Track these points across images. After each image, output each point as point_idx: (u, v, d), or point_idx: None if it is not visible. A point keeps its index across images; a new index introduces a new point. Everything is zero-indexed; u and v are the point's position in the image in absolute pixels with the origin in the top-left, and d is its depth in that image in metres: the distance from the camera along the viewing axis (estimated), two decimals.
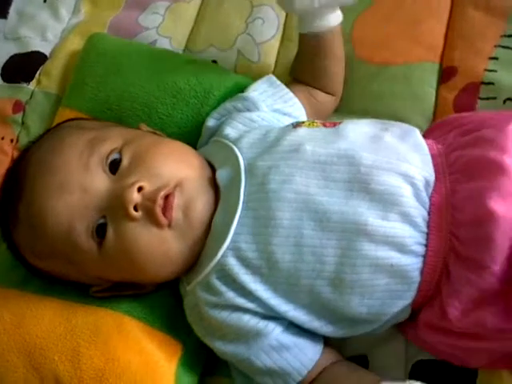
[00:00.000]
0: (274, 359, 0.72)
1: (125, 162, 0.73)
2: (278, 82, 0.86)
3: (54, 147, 0.75)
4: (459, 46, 0.91)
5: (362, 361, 0.78)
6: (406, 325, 0.74)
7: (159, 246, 0.71)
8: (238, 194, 0.71)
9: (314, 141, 0.73)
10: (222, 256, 0.71)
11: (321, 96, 0.87)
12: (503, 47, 0.89)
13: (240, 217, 0.71)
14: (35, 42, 1.05)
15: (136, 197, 0.70)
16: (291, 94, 0.85)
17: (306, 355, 0.73)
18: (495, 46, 0.89)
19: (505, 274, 0.64)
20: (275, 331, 0.72)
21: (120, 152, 0.74)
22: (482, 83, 0.87)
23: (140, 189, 0.70)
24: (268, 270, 0.70)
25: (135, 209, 0.70)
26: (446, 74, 0.90)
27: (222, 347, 0.74)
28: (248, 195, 0.71)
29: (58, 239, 0.72)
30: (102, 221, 0.72)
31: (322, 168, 0.70)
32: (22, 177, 0.76)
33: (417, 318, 0.72)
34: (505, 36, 0.90)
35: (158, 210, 0.70)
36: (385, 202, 0.68)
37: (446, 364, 0.73)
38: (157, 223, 0.70)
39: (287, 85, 0.87)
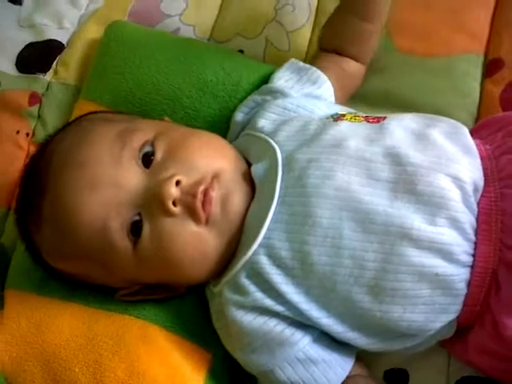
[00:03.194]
0: (299, 373, 0.69)
1: (159, 154, 0.70)
2: (302, 64, 0.83)
3: (81, 140, 0.71)
4: (506, 36, 0.87)
5: (401, 375, 0.74)
6: (453, 343, 0.70)
7: (197, 243, 0.68)
8: (274, 187, 0.68)
9: (357, 136, 0.69)
10: (254, 253, 0.67)
11: (351, 66, 0.84)
12: None
13: (275, 212, 0.67)
14: (51, 30, 1.00)
15: (174, 191, 0.67)
16: (318, 73, 0.81)
17: (334, 373, 0.70)
18: None
19: None
20: (302, 342, 0.68)
21: (152, 144, 0.70)
22: None
23: (177, 183, 0.67)
24: (302, 272, 0.66)
25: (173, 204, 0.66)
26: (491, 67, 0.86)
27: (245, 356, 0.71)
28: (285, 190, 0.68)
29: (89, 238, 0.69)
30: (136, 218, 0.68)
31: (366, 165, 0.67)
32: (43, 172, 0.72)
33: (466, 338, 0.68)
34: None
35: (199, 205, 0.67)
36: (432, 205, 0.64)
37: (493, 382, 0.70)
38: (196, 219, 0.67)
39: (314, 56, 0.84)
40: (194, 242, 0.68)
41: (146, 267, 0.70)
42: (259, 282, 0.67)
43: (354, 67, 0.84)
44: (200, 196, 0.67)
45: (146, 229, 0.68)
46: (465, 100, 0.85)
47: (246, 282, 0.68)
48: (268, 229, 0.67)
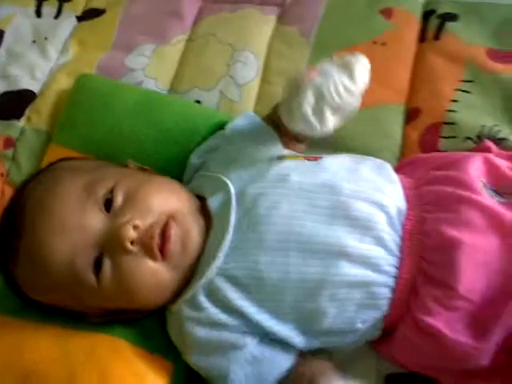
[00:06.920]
0: (248, 372, 0.77)
1: (118, 200, 0.77)
2: (256, 118, 0.91)
3: (51, 190, 0.79)
4: (422, 89, 0.98)
5: None
6: (380, 343, 0.81)
7: (153, 278, 0.76)
8: (229, 217, 0.77)
9: (299, 172, 0.80)
10: (212, 275, 0.76)
11: (296, 144, 0.90)
12: (463, 91, 0.96)
13: (230, 240, 0.76)
14: (24, 80, 1.08)
15: (132, 234, 0.75)
16: (268, 128, 0.89)
17: (279, 365, 0.78)
18: (455, 90, 0.96)
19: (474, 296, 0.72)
20: (250, 344, 0.77)
21: (112, 191, 0.78)
22: (444, 123, 0.94)
23: (135, 227, 0.75)
24: (255, 288, 0.75)
25: (131, 243, 0.75)
26: (411, 115, 0.97)
27: (199, 362, 0.78)
28: (238, 219, 0.77)
29: (59, 275, 0.76)
30: (98, 256, 0.76)
31: (307, 196, 0.78)
32: (19, 218, 0.79)
33: (391, 338, 0.78)
34: (464, 81, 0.97)
35: (155, 245, 0.75)
36: (361, 227, 0.76)
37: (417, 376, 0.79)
38: (152, 256, 0.75)
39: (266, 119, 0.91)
40: (151, 276, 0.76)
41: (109, 297, 0.77)
42: (216, 299, 0.76)
43: (299, 146, 0.90)
44: (157, 238, 0.75)
45: (107, 265, 0.75)
46: (389, 143, 0.95)
47: (202, 299, 0.76)
48: (225, 254, 0.76)
